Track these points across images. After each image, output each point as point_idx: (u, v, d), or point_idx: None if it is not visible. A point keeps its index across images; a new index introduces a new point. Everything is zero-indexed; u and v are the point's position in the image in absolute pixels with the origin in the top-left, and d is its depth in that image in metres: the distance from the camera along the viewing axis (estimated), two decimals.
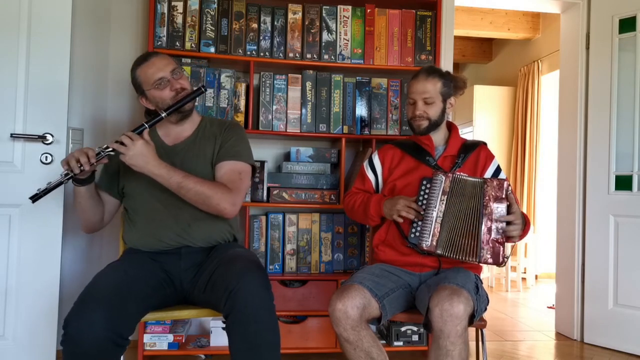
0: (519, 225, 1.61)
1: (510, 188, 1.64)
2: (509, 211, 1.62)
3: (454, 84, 1.86)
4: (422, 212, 1.67)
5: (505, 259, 1.62)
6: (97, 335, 1.30)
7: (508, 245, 1.66)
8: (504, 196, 1.61)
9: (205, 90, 1.69)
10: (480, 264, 1.66)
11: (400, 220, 1.71)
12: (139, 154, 1.50)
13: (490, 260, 1.60)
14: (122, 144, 1.50)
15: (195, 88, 1.69)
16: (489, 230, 1.60)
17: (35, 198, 1.49)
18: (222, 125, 1.80)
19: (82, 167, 1.48)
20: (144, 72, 1.68)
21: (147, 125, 1.57)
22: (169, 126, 1.76)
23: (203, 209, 1.61)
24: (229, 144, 1.73)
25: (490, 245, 1.60)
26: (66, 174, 1.49)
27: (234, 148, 1.72)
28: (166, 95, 1.66)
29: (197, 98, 1.82)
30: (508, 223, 1.60)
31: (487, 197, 1.62)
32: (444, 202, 1.66)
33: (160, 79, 1.65)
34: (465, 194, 1.65)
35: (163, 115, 1.60)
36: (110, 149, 1.52)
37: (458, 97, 1.91)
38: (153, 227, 1.67)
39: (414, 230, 1.70)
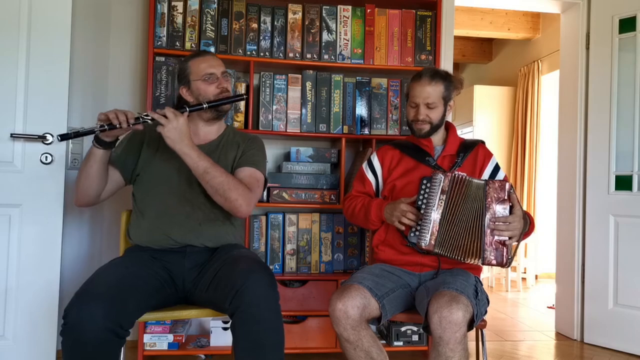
0: (519, 226, 1.61)
1: (512, 189, 1.64)
2: (510, 212, 1.62)
3: (452, 85, 1.85)
4: (421, 214, 1.67)
5: (509, 260, 1.62)
6: (96, 325, 1.30)
7: (514, 245, 1.66)
8: (505, 197, 1.62)
9: (247, 97, 1.73)
10: (483, 265, 1.66)
11: (402, 227, 1.71)
12: (178, 129, 1.53)
13: (494, 262, 1.61)
14: (164, 116, 1.52)
15: (237, 94, 1.75)
16: (492, 231, 1.61)
17: (64, 137, 1.49)
18: (246, 137, 1.86)
19: (118, 125, 1.48)
20: (197, 64, 1.74)
21: (188, 109, 1.60)
22: (199, 123, 1.79)
23: (219, 202, 1.61)
24: (251, 153, 1.79)
25: (494, 246, 1.61)
26: (101, 126, 1.49)
27: (255, 158, 1.78)
28: (211, 91, 1.72)
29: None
30: (509, 224, 1.60)
31: (489, 199, 1.62)
32: (443, 202, 1.66)
33: (211, 73, 1.73)
34: (467, 194, 1.65)
35: (205, 106, 1.65)
36: (150, 117, 1.53)
37: (455, 97, 1.90)
38: (163, 221, 1.68)
39: (413, 229, 1.70)
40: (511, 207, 1.62)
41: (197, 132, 1.79)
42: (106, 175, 1.68)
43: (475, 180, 1.67)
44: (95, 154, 1.58)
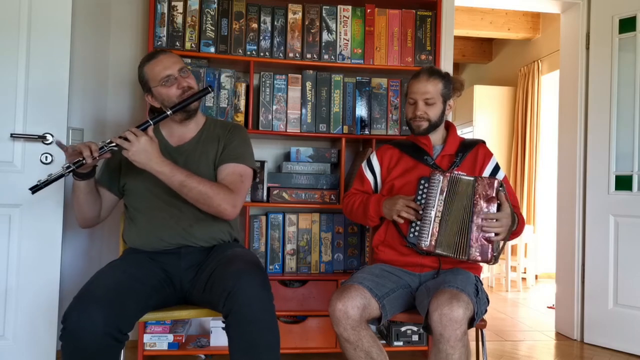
0: (507, 223, 1.62)
1: (502, 187, 1.64)
2: (498, 210, 1.62)
3: (452, 86, 1.86)
4: (420, 212, 1.67)
5: (495, 257, 1.62)
6: (96, 330, 1.30)
7: (500, 243, 1.66)
8: (494, 195, 1.62)
9: (212, 90, 1.69)
10: (470, 262, 1.67)
11: (401, 221, 1.71)
12: (143, 151, 1.49)
13: (478, 258, 1.61)
14: (125, 139, 1.49)
15: (201, 88, 1.69)
16: (478, 228, 1.61)
17: (35, 189, 1.47)
18: (226, 127, 1.80)
19: (84, 161, 1.47)
20: (151, 69, 1.67)
21: (151, 122, 1.56)
22: (173, 126, 1.76)
23: (204, 209, 1.61)
24: (232, 146, 1.73)
25: (479, 243, 1.61)
26: (68, 167, 1.47)
27: (237, 150, 1.72)
28: (172, 93, 1.66)
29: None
30: (496, 221, 1.61)
31: (477, 196, 1.63)
32: (442, 202, 1.66)
33: (167, 76, 1.65)
34: (460, 192, 1.66)
35: (168, 113, 1.59)
36: (114, 144, 1.51)
37: (456, 98, 1.91)
38: (154, 225, 1.67)
39: (412, 230, 1.70)
40: (499, 205, 1.63)
41: (173, 134, 1.76)
42: (98, 198, 1.70)
43: (466, 177, 1.67)
44: (79, 186, 1.60)
